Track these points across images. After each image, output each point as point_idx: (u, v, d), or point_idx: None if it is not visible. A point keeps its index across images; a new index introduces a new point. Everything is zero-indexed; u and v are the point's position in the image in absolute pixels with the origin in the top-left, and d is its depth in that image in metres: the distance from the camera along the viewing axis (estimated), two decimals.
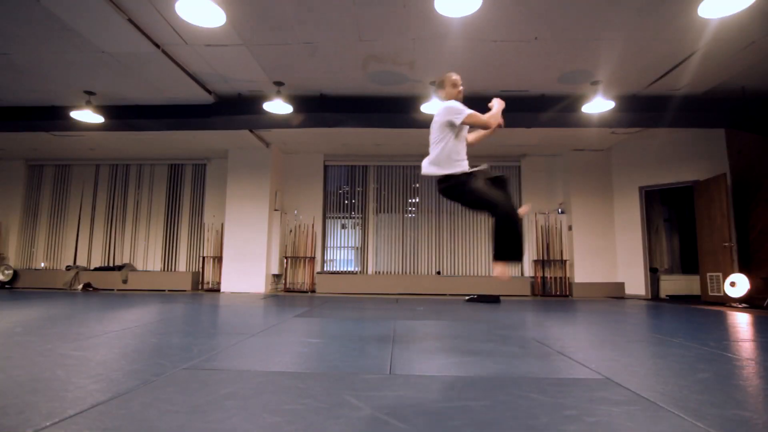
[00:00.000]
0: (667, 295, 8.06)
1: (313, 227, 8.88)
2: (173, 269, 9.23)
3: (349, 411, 1.45)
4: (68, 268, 8.87)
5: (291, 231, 8.90)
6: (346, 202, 9.31)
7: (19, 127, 6.91)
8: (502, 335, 3.21)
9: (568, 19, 4.26)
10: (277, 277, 8.79)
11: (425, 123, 6.39)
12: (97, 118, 6.27)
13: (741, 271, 6.51)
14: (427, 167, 2.89)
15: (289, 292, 8.41)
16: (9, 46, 4.80)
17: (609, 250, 8.37)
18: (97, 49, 4.84)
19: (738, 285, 6.28)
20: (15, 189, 9.52)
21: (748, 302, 6.28)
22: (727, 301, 6.49)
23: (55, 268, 9.26)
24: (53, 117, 6.57)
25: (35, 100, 6.34)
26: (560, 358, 2.36)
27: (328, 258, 9.23)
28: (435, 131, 2.91)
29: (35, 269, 9.21)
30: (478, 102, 6.11)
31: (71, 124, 6.54)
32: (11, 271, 8.70)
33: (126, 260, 9.29)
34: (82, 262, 9.32)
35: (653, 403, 1.56)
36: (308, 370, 2.03)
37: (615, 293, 8.11)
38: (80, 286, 8.41)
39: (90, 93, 6.05)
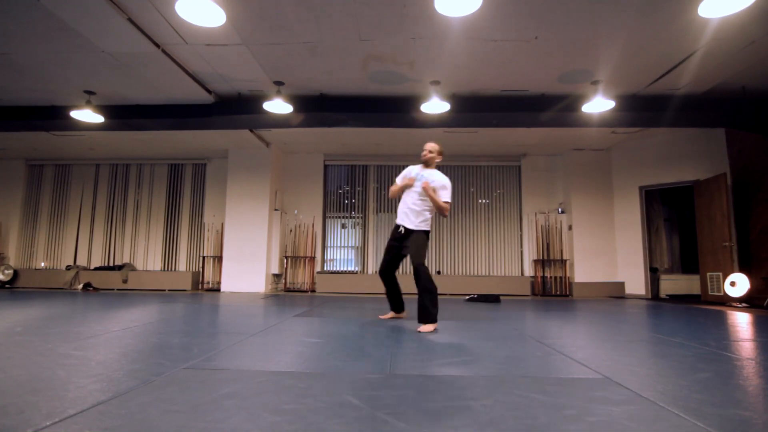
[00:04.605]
0: (667, 295, 8.06)
1: (313, 227, 8.88)
2: (173, 269, 9.23)
3: (349, 411, 1.45)
4: (68, 267, 8.87)
5: (291, 231, 8.90)
6: (346, 201, 9.31)
7: (18, 126, 6.90)
8: (502, 335, 3.21)
9: (568, 19, 4.26)
10: (277, 276, 8.79)
11: (425, 123, 6.44)
12: (97, 118, 6.27)
13: (741, 270, 6.51)
14: (416, 225, 3.79)
15: (289, 292, 8.41)
16: (9, 46, 4.80)
17: (609, 249, 8.37)
18: (98, 49, 4.84)
19: (738, 284, 6.28)
20: (15, 189, 9.52)
21: (748, 302, 6.28)
22: (727, 301, 6.49)
23: (55, 267, 9.26)
24: (53, 117, 6.56)
25: (35, 99, 6.34)
26: (560, 358, 2.36)
27: (328, 258, 9.23)
28: (419, 196, 3.74)
29: (35, 269, 9.21)
30: (478, 101, 6.16)
31: (71, 123, 6.53)
32: (11, 271, 8.70)
33: (126, 260, 9.29)
34: (82, 261, 9.33)
35: (653, 403, 1.56)
36: (308, 370, 2.03)
37: (615, 293, 8.11)
38: (80, 286, 8.41)
39: (90, 93, 6.05)
